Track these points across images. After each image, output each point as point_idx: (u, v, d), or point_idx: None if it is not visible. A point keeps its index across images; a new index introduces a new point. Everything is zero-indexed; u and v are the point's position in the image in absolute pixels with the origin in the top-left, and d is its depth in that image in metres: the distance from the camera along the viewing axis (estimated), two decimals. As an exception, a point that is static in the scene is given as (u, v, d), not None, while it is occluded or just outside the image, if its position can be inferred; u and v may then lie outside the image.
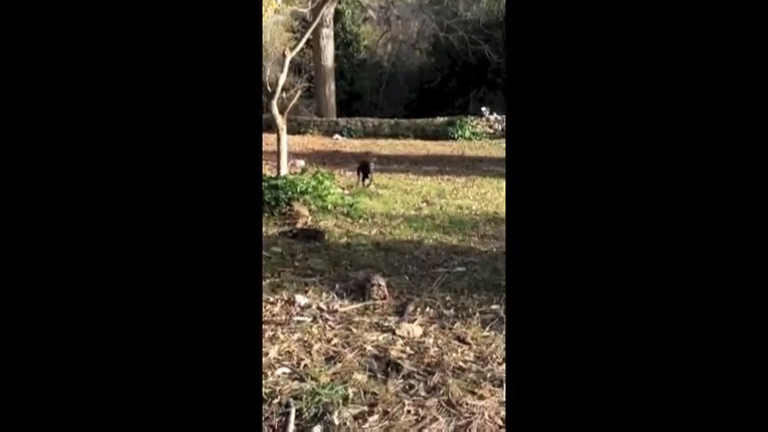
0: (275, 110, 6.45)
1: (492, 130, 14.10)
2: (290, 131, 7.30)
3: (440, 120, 14.43)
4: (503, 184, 7.80)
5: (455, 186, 7.75)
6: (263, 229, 4.96)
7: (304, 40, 7.79)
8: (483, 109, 14.77)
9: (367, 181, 7.65)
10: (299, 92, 7.90)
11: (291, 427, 1.93)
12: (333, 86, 16.04)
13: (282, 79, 6.52)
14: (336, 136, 13.89)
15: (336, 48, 16.79)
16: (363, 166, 7.82)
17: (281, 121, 6.45)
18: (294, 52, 7.07)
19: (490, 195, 7.06)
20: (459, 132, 13.82)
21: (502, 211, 6.00)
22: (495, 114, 14.38)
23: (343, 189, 6.42)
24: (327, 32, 15.52)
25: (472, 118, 14.41)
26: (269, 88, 6.43)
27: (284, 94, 7.01)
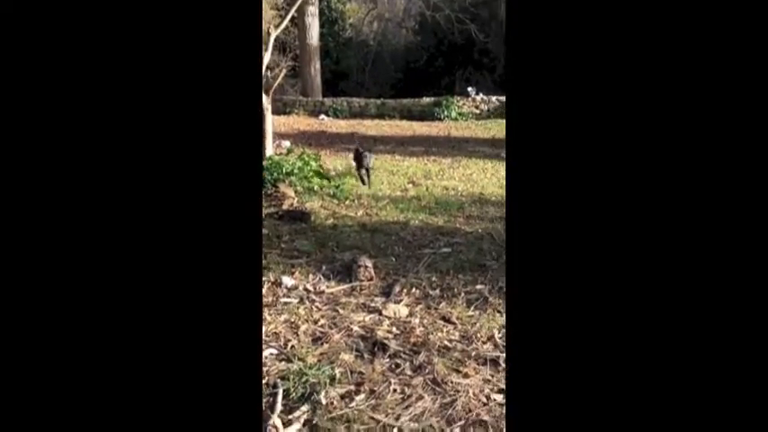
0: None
1: (478, 111, 14.07)
2: (276, 112, 7.22)
3: (426, 100, 14.37)
4: (488, 165, 7.82)
5: (441, 167, 7.75)
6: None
7: (288, 17, 7.67)
8: (469, 89, 14.71)
9: (363, 173, 6.20)
10: (284, 71, 7.80)
11: (279, 407, 1.95)
12: (318, 65, 15.87)
13: (267, 58, 6.43)
14: (322, 116, 13.78)
15: (321, 26, 16.58)
16: (358, 157, 6.30)
17: (265, 101, 6.38)
18: (278, 30, 6.97)
19: (476, 176, 7.07)
20: (446, 113, 13.78)
21: (487, 192, 6.03)
22: (481, 95, 14.34)
23: (329, 180, 6.35)
24: (312, 10, 15.29)
25: (458, 98, 14.36)
26: (254, 68, 6.35)
27: (269, 74, 6.94)
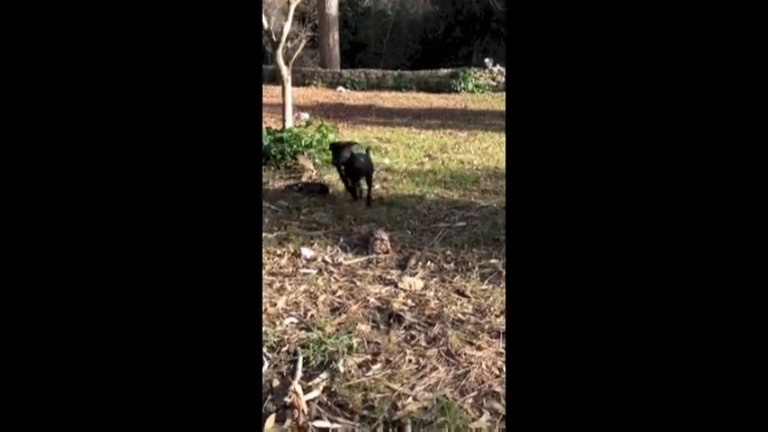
0: (280, 60, 6.37)
1: (495, 83, 13.95)
2: (295, 83, 7.21)
3: (443, 72, 14.26)
4: (504, 138, 7.79)
5: (457, 140, 7.74)
6: (270, 183, 5.02)
7: (308, -13, 7.63)
8: (486, 60, 14.55)
9: (362, 190, 4.51)
10: (304, 41, 7.77)
11: (299, 373, 2.04)
12: (336, 36, 15.77)
13: (287, 29, 6.42)
14: (340, 88, 13.75)
15: (340, -5, 16.44)
16: (348, 165, 4.34)
17: (285, 72, 6.39)
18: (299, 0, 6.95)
19: (492, 150, 7.06)
20: (463, 85, 13.69)
21: (503, 166, 6.02)
22: (498, 66, 14.19)
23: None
24: (332, -21, 15.17)
25: (475, 70, 14.23)
26: (273, 38, 6.35)
27: (289, 44, 6.91)
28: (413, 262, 3.19)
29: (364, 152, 4.58)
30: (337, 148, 4.30)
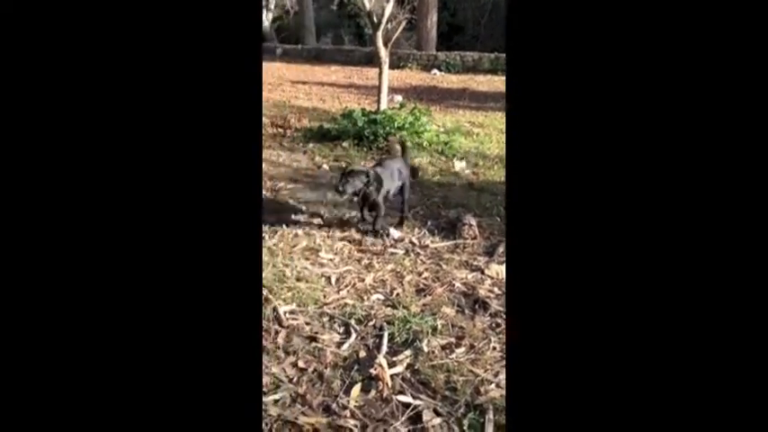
0: (380, 42, 6.41)
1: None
2: (390, 65, 7.23)
3: (543, 57, 13.85)
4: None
5: (553, 130, 7.53)
6: (363, 163, 5.12)
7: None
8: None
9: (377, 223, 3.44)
10: (403, 23, 7.78)
11: (384, 348, 2.11)
12: (435, 18, 15.64)
13: (388, 10, 6.45)
14: (434, 71, 13.67)
15: (441, -25, 16.28)
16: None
17: (384, 54, 6.43)
18: (400, -19, 6.95)
19: (589, 142, 6.82)
20: (562, 72, 13.26)
21: (600, 159, 5.82)
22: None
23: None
24: (433, -40, 15.04)
25: (577, 57, 13.71)
26: (374, 19, 6.41)
27: (389, 26, 6.94)
28: (501, 250, 3.17)
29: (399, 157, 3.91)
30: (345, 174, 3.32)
